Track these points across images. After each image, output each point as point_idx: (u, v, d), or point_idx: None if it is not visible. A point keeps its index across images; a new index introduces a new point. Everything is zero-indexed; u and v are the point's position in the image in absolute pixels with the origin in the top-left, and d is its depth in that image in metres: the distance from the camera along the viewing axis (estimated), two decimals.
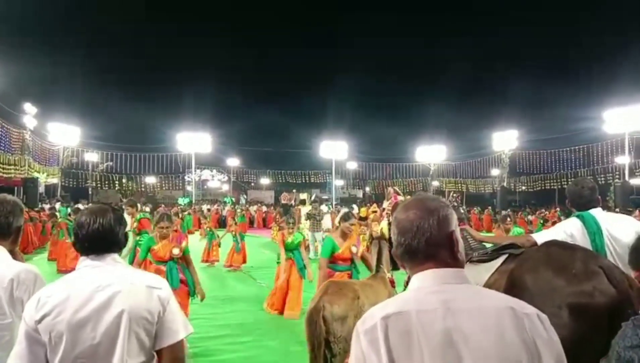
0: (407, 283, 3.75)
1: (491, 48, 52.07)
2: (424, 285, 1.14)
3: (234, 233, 11.92)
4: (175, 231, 5.84)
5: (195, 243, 11.82)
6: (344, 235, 5.12)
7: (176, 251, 5.13)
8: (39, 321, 1.62)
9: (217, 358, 5.18)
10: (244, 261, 11.73)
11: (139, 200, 15.77)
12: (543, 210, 22.40)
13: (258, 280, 9.87)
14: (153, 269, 5.02)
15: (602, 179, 27.68)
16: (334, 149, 35.44)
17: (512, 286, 2.62)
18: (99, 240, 1.79)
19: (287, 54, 60.13)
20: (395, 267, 4.62)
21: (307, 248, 14.77)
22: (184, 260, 5.23)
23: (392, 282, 4.31)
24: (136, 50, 49.56)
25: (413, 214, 1.19)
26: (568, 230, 2.93)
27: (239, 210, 24.00)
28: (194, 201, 32.29)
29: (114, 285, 1.72)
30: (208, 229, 13.42)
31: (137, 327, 1.70)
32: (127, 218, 7.74)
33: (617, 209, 16.54)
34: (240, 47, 59.18)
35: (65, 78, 40.05)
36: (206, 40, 56.43)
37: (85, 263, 1.79)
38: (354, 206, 19.91)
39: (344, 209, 5.67)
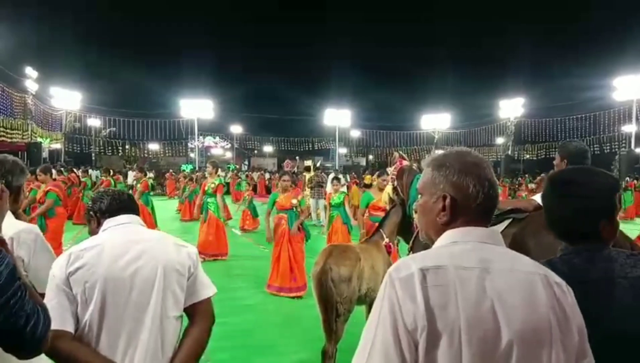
0: (410, 249, 3.74)
1: (497, 13, 50.77)
2: (461, 241, 1.14)
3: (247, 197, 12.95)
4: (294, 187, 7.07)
5: None
6: (380, 189, 6.29)
7: (294, 201, 6.44)
8: (73, 272, 1.62)
9: (221, 320, 5.26)
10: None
11: (143, 166, 15.99)
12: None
13: (261, 246, 9.97)
14: (277, 217, 6.52)
15: (608, 147, 27.50)
16: (338, 117, 35.18)
17: (515, 249, 2.61)
18: (126, 202, 1.91)
19: (291, 20, 58.87)
20: (405, 238, 4.49)
21: (309, 215, 14.87)
22: (301, 210, 6.47)
23: (388, 247, 4.29)
24: (139, 14, 48.60)
25: (489, 170, 1.19)
26: None
27: (243, 176, 23.96)
28: (197, 168, 32.31)
29: (145, 240, 1.79)
30: (248, 196, 13.03)
31: (171, 279, 1.73)
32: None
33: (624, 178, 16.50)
34: (243, 14, 57.99)
35: (66, 42, 39.61)
36: (209, 4, 55.25)
37: (114, 222, 1.83)
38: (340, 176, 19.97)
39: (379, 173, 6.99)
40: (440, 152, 1.32)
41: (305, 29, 57.63)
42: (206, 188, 8.51)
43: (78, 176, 15.17)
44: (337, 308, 3.53)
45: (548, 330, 1.03)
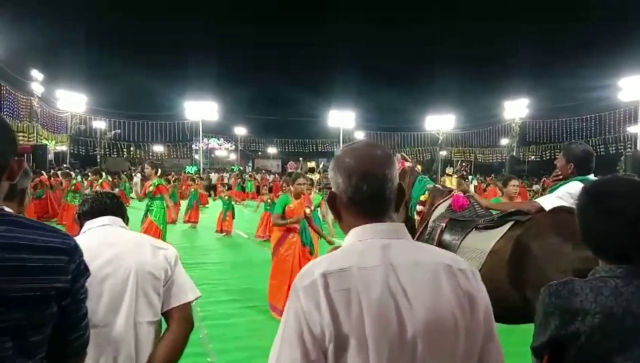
0: None
1: (501, 13, 50.63)
2: (365, 239, 1.11)
3: (225, 197, 12.49)
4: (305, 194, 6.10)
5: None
6: None
7: (307, 211, 5.66)
8: None
9: (226, 322, 5.30)
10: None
11: (99, 168, 16.03)
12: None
13: (265, 248, 9.99)
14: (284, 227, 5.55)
15: (613, 148, 27.36)
16: (342, 118, 35.21)
17: (518, 251, 2.62)
18: (109, 205, 1.90)
19: (291, 20, 58.94)
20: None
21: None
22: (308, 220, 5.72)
23: None
24: (143, 16, 48.81)
25: (366, 160, 1.13)
26: (573, 192, 2.89)
27: (247, 176, 24.02)
28: (201, 170, 32.40)
29: (121, 243, 1.77)
30: (226, 197, 12.65)
31: (145, 283, 1.69)
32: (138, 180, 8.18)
33: None
34: (244, 14, 58.16)
35: (72, 45, 39.88)
36: (209, 4, 55.45)
37: (94, 223, 1.83)
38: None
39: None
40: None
41: (306, 30, 57.70)
42: (147, 191, 7.75)
43: (51, 178, 15.32)
44: None
45: (452, 319, 1.02)
